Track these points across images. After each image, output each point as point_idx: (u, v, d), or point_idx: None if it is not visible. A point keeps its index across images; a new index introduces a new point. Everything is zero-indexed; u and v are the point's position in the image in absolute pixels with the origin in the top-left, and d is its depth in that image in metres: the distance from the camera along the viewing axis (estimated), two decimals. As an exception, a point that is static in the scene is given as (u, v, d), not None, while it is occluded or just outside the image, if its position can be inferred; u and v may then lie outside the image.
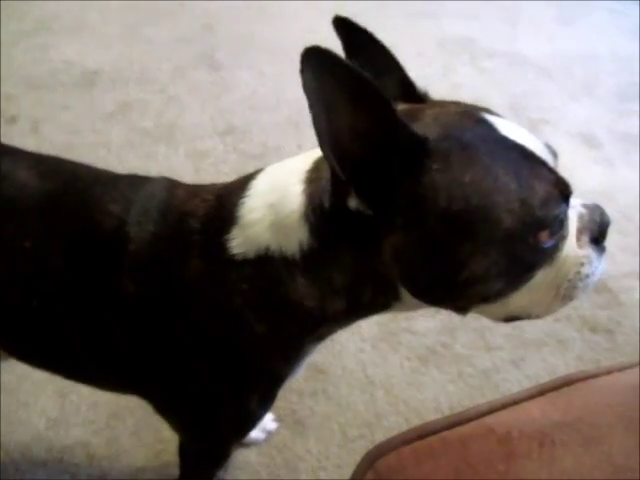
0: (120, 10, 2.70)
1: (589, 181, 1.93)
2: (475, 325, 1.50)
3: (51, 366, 0.91)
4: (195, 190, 0.77)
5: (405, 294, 0.66)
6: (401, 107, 0.67)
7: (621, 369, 0.60)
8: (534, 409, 0.56)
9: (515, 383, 1.40)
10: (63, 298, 0.76)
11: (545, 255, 0.62)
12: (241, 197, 0.70)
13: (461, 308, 0.68)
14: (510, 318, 0.69)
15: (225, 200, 0.71)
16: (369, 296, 0.67)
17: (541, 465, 0.48)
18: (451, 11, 2.70)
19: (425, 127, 0.60)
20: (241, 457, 1.25)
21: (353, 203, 0.59)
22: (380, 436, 1.28)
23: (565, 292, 0.66)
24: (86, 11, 2.68)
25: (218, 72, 2.36)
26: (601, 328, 1.52)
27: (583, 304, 1.57)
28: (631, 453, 0.49)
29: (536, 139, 0.64)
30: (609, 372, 0.60)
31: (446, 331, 1.49)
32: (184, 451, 1.04)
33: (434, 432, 0.55)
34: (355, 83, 0.53)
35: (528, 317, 0.69)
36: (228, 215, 0.69)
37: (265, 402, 0.82)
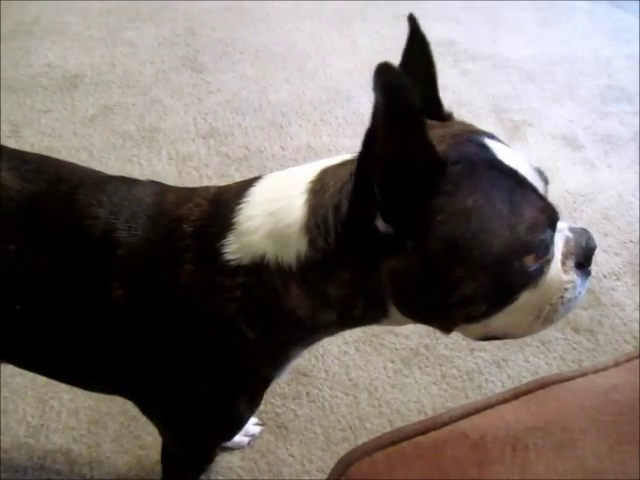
0: (101, 13, 2.68)
1: (570, 182, 1.95)
2: (458, 327, 1.51)
3: (37, 368, 0.91)
4: (186, 194, 0.76)
5: (394, 311, 0.67)
6: None
7: (595, 371, 0.60)
8: (508, 413, 0.56)
9: (498, 384, 1.41)
10: (49, 302, 0.76)
11: (530, 278, 0.63)
12: (239, 204, 0.70)
13: (446, 327, 0.69)
14: (489, 337, 0.69)
15: (221, 206, 0.71)
16: (360, 311, 0.68)
17: (514, 470, 0.48)
18: (433, 14, 2.71)
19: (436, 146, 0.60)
20: (224, 462, 1.25)
21: (381, 225, 0.59)
22: (364, 439, 1.28)
23: (547, 315, 0.67)
24: (67, 14, 2.66)
25: (200, 75, 2.35)
26: (583, 328, 1.53)
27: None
28: (604, 457, 0.49)
29: (528, 164, 0.65)
30: (583, 374, 0.60)
31: (429, 333, 1.49)
32: (167, 455, 1.03)
33: (407, 437, 0.55)
34: (411, 107, 0.54)
35: (507, 337, 0.69)
36: (224, 221, 0.69)
37: (252, 404, 0.83)
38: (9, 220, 0.76)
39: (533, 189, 0.62)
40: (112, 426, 1.29)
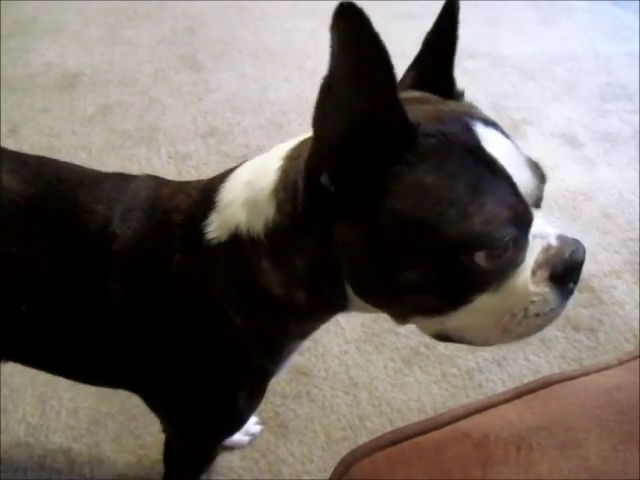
0: (99, 12, 2.68)
1: (570, 180, 1.94)
2: (458, 326, 1.51)
3: (40, 365, 0.91)
4: (180, 187, 0.76)
5: (351, 293, 0.64)
6: (410, 94, 0.66)
7: (598, 370, 0.60)
8: (511, 412, 0.55)
9: (499, 383, 1.40)
10: (51, 302, 0.76)
11: (484, 278, 0.58)
12: (223, 182, 0.69)
13: (399, 316, 0.65)
14: (444, 337, 0.65)
15: (208, 191, 0.71)
16: (326, 289, 0.66)
17: (518, 471, 0.48)
18: (433, 12, 2.69)
19: (415, 118, 0.56)
20: (224, 462, 1.24)
21: (324, 179, 0.56)
22: (364, 438, 1.28)
23: (506, 326, 0.61)
24: (65, 13, 2.65)
25: (200, 74, 2.35)
26: (584, 327, 1.53)
27: (565, 303, 1.57)
28: (607, 457, 0.48)
29: (523, 159, 0.61)
30: (586, 373, 0.60)
31: (429, 332, 1.49)
32: (169, 454, 1.03)
33: (407, 437, 0.54)
34: (378, 54, 0.50)
35: (463, 342, 0.65)
36: (208, 202, 0.69)
37: (252, 399, 0.82)
38: (11, 222, 0.76)
39: (510, 183, 0.57)
40: (112, 426, 1.28)
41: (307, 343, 1.43)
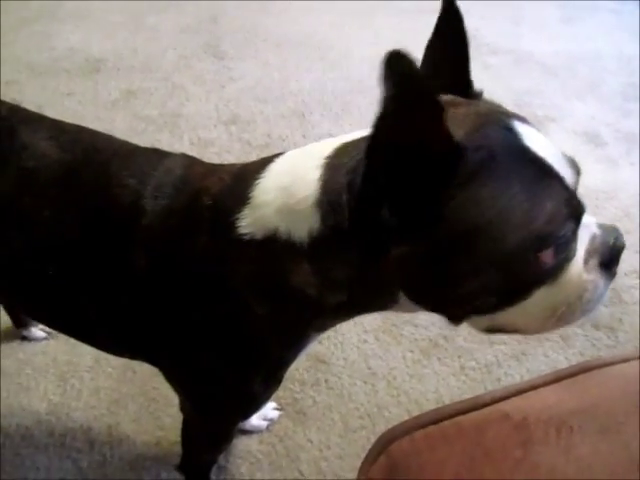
0: (124, -2, 2.69)
1: (592, 179, 1.93)
2: (477, 319, 1.51)
3: (66, 329, 0.93)
4: (213, 168, 0.77)
5: (403, 298, 0.65)
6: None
7: (637, 357, 0.60)
8: (550, 395, 0.55)
9: (517, 377, 1.40)
10: (79, 268, 0.78)
11: (546, 275, 0.59)
12: (257, 178, 0.69)
13: (456, 318, 0.65)
14: (497, 330, 0.66)
15: (241, 180, 0.71)
16: (368, 295, 0.67)
17: (558, 452, 0.48)
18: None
19: (456, 130, 0.56)
20: (242, 445, 1.25)
21: (385, 214, 0.57)
22: (381, 427, 1.28)
23: (562, 315, 0.63)
24: (90, -2, 2.67)
25: (223, 62, 2.35)
26: (603, 325, 1.52)
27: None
28: (648, 441, 0.49)
29: (560, 152, 0.61)
30: (625, 360, 0.60)
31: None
32: (187, 435, 1.04)
33: (448, 417, 0.55)
34: (425, 98, 0.52)
35: (516, 332, 0.66)
36: (241, 195, 0.69)
37: (268, 385, 0.82)
38: (45, 187, 0.77)
39: (559, 179, 0.58)
40: (132, 406, 1.29)
41: (326, 332, 1.45)
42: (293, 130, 2.04)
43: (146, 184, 0.75)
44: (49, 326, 0.95)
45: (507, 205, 0.55)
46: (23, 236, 0.78)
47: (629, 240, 1.71)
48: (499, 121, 0.60)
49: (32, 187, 0.78)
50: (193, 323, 0.74)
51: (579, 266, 0.61)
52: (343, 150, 0.65)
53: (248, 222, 0.67)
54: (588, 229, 0.63)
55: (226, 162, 1.91)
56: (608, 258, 0.63)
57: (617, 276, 1.67)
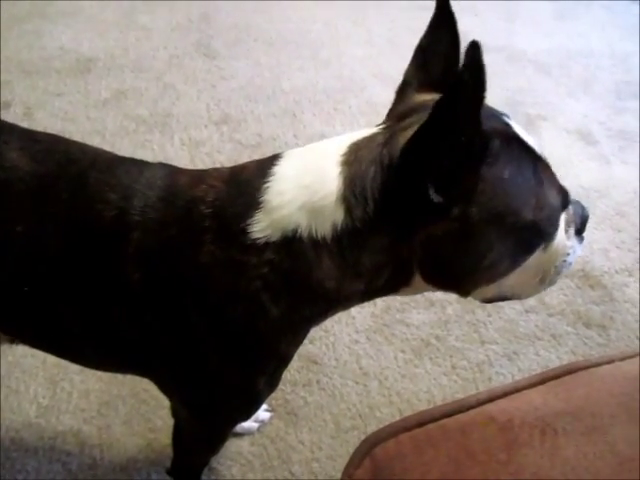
0: (115, -3, 2.68)
1: (584, 177, 1.93)
2: (469, 318, 1.51)
3: (50, 349, 0.91)
4: (198, 175, 0.76)
5: (417, 279, 0.69)
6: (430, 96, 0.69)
7: (623, 358, 0.60)
8: (536, 397, 0.55)
9: (509, 377, 1.40)
10: (60, 284, 0.75)
11: (541, 240, 0.69)
12: (264, 182, 0.69)
13: (466, 291, 0.73)
14: (497, 299, 0.76)
15: (242, 186, 0.71)
16: (386, 279, 0.69)
17: (543, 454, 0.48)
18: (458, 5, 2.69)
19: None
20: (233, 447, 1.25)
21: (434, 195, 0.61)
22: (373, 427, 1.28)
23: (549, 278, 0.74)
24: (80, -3, 2.65)
25: (214, 61, 2.34)
26: (594, 323, 1.52)
27: (577, 299, 1.57)
28: (634, 443, 0.48)
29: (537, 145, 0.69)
30: (610, 361, 0.60)
31: (440, 324, 1.49)
32: (178, 438, 1.03)
33: (433, 420, 0.54)
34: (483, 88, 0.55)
35: (512, 298, 0.77)
36: (250, 200, 0.69)
37: (272, 384, 0.82)
38: (18, 201, 0.75)
39: (550, 168, 0.68)
40: (123, 409, 1.29)
41: (318, 332, 1.45)
42: (285, 130, 2.03)
43: (129, 198, 0.73)
44: (32, 346, 0.92)
45: (521, 183, 0.64)
46: None
47: (621, 238, 1.74)
48: (495, 116, 0.67)
49: (3, 201, 0.75)
50: (200, 331, 0.73)
51: (562, 234, 0.72)
52: (357, 147, 0.68)
53: (263, 226, 0.67)
54: None
55: (217, 162, 1.91)
56: (580, 226, 0.76)
57: (609, 274, 1.69)
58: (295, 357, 0.82)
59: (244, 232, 0.68)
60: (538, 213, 0.66)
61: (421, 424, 0.54)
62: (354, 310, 1.48)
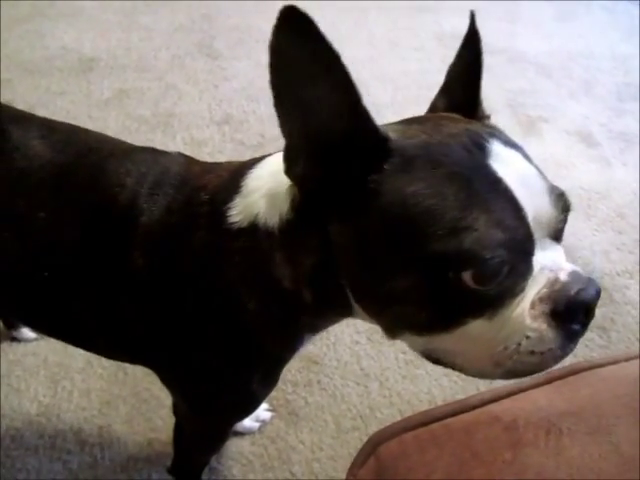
0: (117, -3, 2.68)
1: (585, 179, 1.94)
2: (470, 319, 1.50)
3: (63, 335, 0.92)
4: (212, 167, 0.77)
5: (353, 299, 0.64)
6: (438, 114, 0.68)
7: (627, 359, 0.60)
8: (540, 397, 0.55)
9: (509, 378, 1.40)
10: (77, 270, 0.77)
11: (476, 302, 0.55)
12: (251, 168, 0.70)
13: (389, 329, 0.63)
14: (434, 359, 0.63)
15: (237, 174, 0.71)
16: (329, 292, 0.65)
17: (548, 454, 0.48)
18: (450, 7, 2.69)
19: (412, 132, 0.59)
20: (234, 447, 1.24)
21: (299, 170, 0.58)
22: (374, 428, 1.27)
23: (499, 359, 0.58)
24: (82, -3, 2.66)
25: (216, 61, 2.35)
26: (595, 325, 1.52)
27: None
28: (638, 443, 0.48)
29: (546, 185, 0.58)
30: (615, 362, 0.60)
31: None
32: (179, 436, 1.03)
33: (437, 419, 0.55)
34: (333, 65, 0.52)
35: (454, 368, 0.62)
36: (234, 185, 0.69)
37: (266, 384, 0.82)
38: (39, 189, 0.77)
39: (513, 205, 0.54)
40: (123, 408, 1.29)
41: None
42: (286, 130, 2.03)
43: (143, 183, 0.74)
44: (46, 333, 0.93)
45: (435, 208, 0.53)
46: (18, 239, 0.77)
47: (622, 240, 1.74)
48: (473, 137, 0.58)
49: (25, 188, 0.77)
50: (190, 320, 0.74)
51: (523, 308, 0.56)
52: None
53: (238, 210, 0.67)
54: (553, 273, 0.57)
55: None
56: (562, 309, 0.56)
57: (609, 276, 1.69)
58: (296, 357, 0.82)
59: (224, 215, 0.68)
60: (452, 253, 0.52)
61: (425, 423, 0.54)
62: (355, 311, 1.48)
